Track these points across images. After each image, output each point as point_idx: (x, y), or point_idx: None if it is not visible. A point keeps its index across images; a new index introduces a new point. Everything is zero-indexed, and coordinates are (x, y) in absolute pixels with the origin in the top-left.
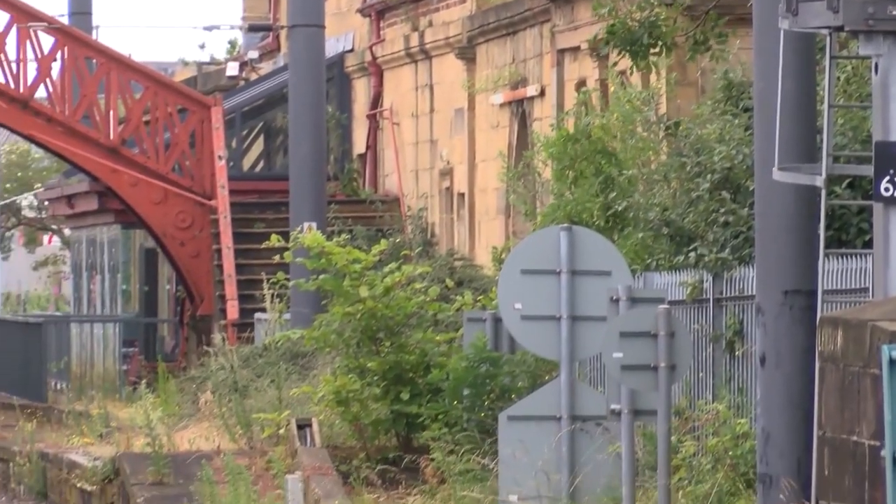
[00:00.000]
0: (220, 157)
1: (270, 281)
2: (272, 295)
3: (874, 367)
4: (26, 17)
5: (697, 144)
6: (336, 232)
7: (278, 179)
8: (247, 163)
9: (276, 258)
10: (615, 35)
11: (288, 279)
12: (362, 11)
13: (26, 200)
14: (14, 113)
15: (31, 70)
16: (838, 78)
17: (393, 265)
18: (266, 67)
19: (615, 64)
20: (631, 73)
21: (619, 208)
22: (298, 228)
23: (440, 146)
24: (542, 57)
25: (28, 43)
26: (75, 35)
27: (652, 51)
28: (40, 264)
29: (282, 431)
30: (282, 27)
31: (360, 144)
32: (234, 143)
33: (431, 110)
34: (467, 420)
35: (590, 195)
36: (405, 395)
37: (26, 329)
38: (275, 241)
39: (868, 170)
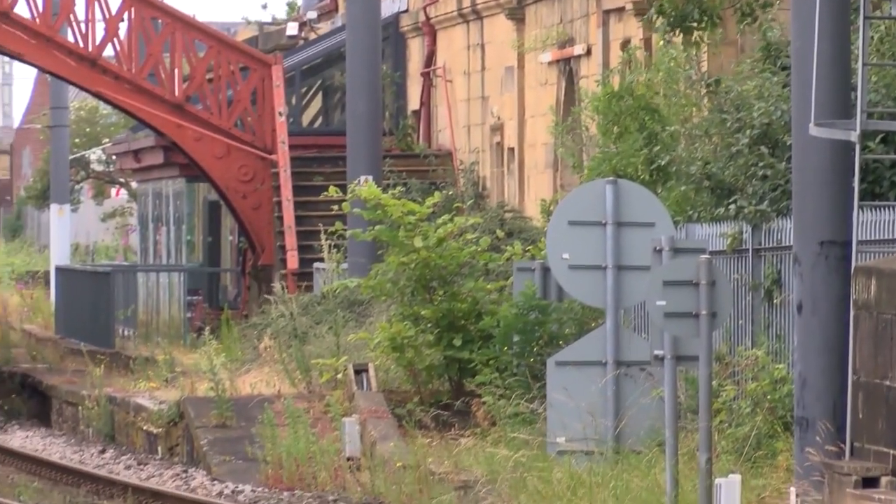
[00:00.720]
0: (280, 114)
1: (329, 231)
2: (330, 245)
3: None
4: None
5: (737, 101)
6: (391, 185)
7: (336, 135)
8: (306, 119)
9: (335, 208)
10: (664, 13)
11: (345, 229)
12: None
13: (95, 155)
14: (83, 71)
15: (100, 30)
16: (872, 37)
17: (446, 217)
18: (324, 27)
19: (659, 27)
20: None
21: (663, 162)
22: (355, 181)
23: (491, 103)
24: (589, 17)
25: (96, 4)
26: None
27: (699, 27)
28: (108, 216)
29: (339, 376)
30: None
31: (414, 101)
32: (293, 100)
33: (482, 68)
34: (517, 365)
35: (634, 150)
36: (457, 342)
37: (95, 278)
38: (333, 192)
39: None
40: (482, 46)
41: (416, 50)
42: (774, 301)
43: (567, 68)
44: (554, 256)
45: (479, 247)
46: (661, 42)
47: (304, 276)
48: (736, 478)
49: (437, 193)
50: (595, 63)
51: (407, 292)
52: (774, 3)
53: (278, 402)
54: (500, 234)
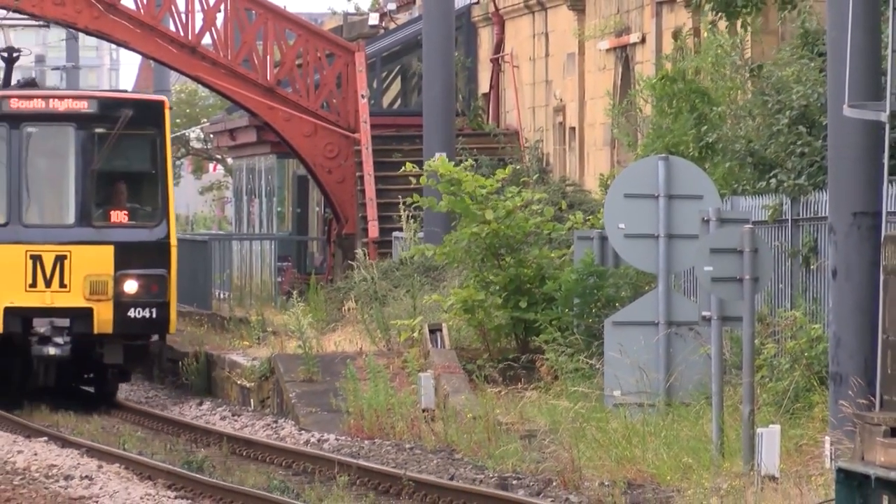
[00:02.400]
0: (362, 96)
1: (407, 202)
2: (408, 216)
3: None
4: None
5: (778, 85)
6: (463, 160)
7: (413, 115)
8: (385, 101)
9: (413, 182)
10: (711, 0)
11: (421, 201)
12: None
13: (194, 133)
14: (183, 57)
15: (198, 20)
16: None
17: (514, 189)
18: (403, 18)
19: (708, 14)
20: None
21: (710, 140)
22: (431, 158)
23: (554, 86)
24: (643, 8)
25: None
26: None
27: (744, 11)
28: (206, 189)
29: (415, 335)
30: None
31: (484, 85)
32: (374, 84)
33: (546, 55)
34: (577, 325)
35: (685, 129)
36: (523, 304)
37: (194, 246)
38: (409, 167)
39: None
40: (546, 35)
41: (486, 38)
42: (811, 267)
43: (623, 55)
44: (611, 226)
45: (544, 217)
46: (708, 30)
47: (383, 245)
48: (776, 428)
49: (508, 167)
50: (649, 50)
51: (477, 259)
52: None
53: (360, 359)
54: (563, 205)
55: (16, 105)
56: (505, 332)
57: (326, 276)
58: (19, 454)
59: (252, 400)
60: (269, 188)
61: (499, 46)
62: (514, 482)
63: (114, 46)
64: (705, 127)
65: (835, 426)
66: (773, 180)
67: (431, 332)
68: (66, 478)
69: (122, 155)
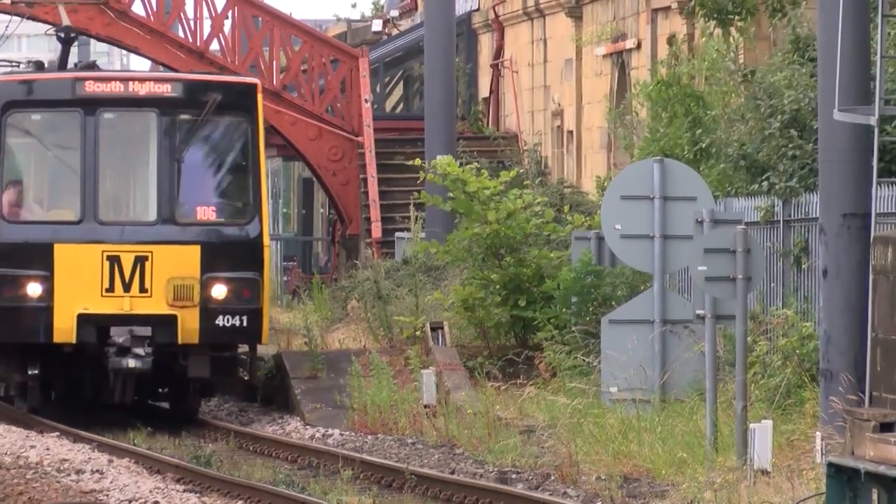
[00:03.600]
0: (366, 101)
1: (415, 200)
2: (416, 217)
3: None
4: None
5: (770, 89)
6: (464, 163)
7: (415, 119)
8: (388, 105)
9: (415, 183)
10: (704, 6)
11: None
12: None
13: None
14: (191, 63)
15: (206, 27)
16: (889, 33)
17: (516, 191)
18: (405, 24)
19: (703, 22)
20: (714, 27)
21: (704, 143)
22: (434, 161)
23: (552, 91)
24: (639, 15)
25: (203, 3)
26: None
27: (736, 17)
28: None
29: (418, 333)
30: None
31: (484, 89)
32: (377, 89)
33: (545, 60)
34: (574, 323)
35: (679, 132)
36: (522, 302)
37: None
38: (418, 162)
39: None
40: (544, 41)
41: (486, 44)
42: (802, 267)
43: (619, 60)
44: (608, 227)
45: (544, 218)
46: (704, 38)
47: (385, 245)
48: (768, 423)
49: (513, 170)
50: (644, 56)
51: (478, 259)
52: (801, 3)
53: (364, 356)
54: (565, 208)
55: (91, 88)
56: (504, 329)
57: (331, 275)
58: (32, 449)
59: (259, 396)
60: (275, 190)
61: (498, 52)
62: (514, 476)
63: (124, 52)
64: (699, 130)
65: (825, 422)
66: (765, 182)
67: (433, 329)
68: (78, 472)
69: (209, 144)
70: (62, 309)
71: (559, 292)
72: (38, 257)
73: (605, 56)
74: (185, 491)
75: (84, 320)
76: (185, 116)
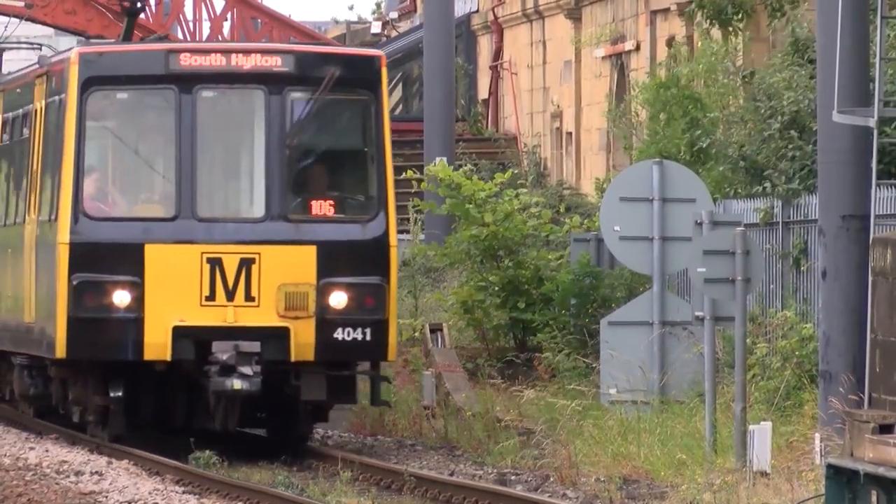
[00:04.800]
0: None
1: (413, 206)
2: (415, 219)
3: None
4: None
5: (769, 91)
6: (463, 165)
7: (414, 121)
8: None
9: (415, 185)
10: (703, 7)
11: (421, 204)
12: None
13: None
14: None
15: (206, 28)
16: (888, 35)
17: (511, 191)
18: (404, 26)
19: (702, 22)
20: (710, 27)
21: (703, 145)
22: (432, 163)
23: (551, 93)
24: (638, 17)
25: (203, 5)
26: None
27: (735, 19)
28: None
29: (417, 334)
30: None
31: (483, 91)
32: None
33: (544, 62)
34: (573, 325)
35: (678, 134)
36: (521, 304)
37: None
38: (410, 174)
39: None
40: (543, 43)
41: (485, 46)
42: (802, 268)
43: (618, 62)
44: (607, 229)
45: (541, 220)
46: (703, 40)
47: None
48: (767, 424)
49: (508, 171)
50: (643, 57)
51: (477, 261)
52: (800, 4)
53: None
54: (562, 209)
55: (187, 61)
56: (503, 331)
57: None
58: (31, 451)
59: None
60: None
61: (498, 54)
62: (513, 478)
63: None
64: (698, 132)
65: (825, 423)
66: (764, 184)
67: (432, 331)
68: (77, 473)
69: (326, 126)
70: (154, 321)
71: (558, 294)
72: (126, 260)
73: (604, 58)
74: (184, 493)
75: (180, 334)
76: (297, 94)
